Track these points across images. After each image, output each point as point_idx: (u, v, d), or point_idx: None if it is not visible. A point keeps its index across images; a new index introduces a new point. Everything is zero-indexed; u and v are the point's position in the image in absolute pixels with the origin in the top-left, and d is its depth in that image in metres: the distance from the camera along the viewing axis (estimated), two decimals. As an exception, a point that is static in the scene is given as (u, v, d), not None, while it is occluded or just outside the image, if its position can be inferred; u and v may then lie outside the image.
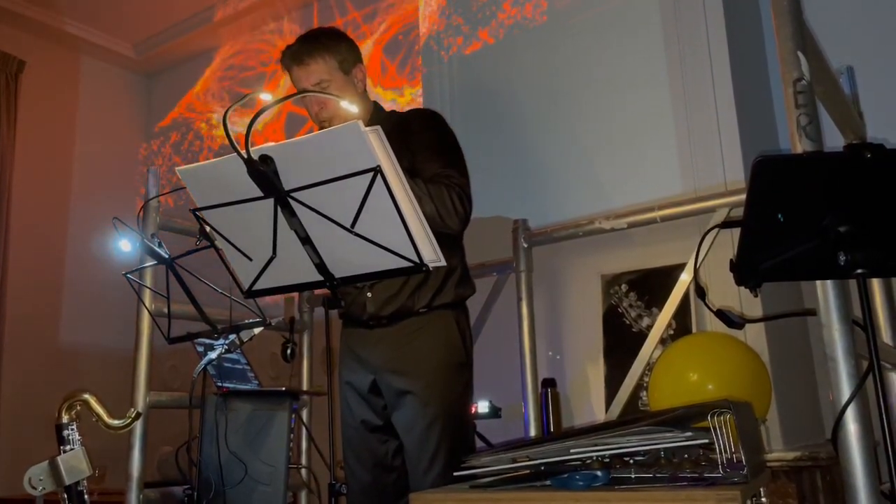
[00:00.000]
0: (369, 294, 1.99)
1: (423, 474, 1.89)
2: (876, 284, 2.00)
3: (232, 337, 1.96)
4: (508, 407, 2.57)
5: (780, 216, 1.22)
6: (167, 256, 1.86)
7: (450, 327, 1.99)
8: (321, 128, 1.99)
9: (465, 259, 2.12)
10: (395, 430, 1.99)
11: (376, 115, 2.12)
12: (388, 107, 2.28)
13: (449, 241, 1.98)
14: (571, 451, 1.31)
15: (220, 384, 2.38)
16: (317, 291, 2.81)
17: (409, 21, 3.85)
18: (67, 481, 1.64)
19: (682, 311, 2.35)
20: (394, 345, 1.98)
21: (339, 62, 2.04)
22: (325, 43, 2.04)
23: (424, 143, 1.99)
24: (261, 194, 1.48)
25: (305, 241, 1.54)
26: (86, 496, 1.68)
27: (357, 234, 1.49)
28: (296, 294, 2.92)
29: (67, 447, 1.68)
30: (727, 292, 2.20)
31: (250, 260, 1.62)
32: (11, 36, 4.25)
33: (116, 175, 4.66)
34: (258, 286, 1.67)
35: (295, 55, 2.04)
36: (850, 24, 2.61)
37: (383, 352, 1.99)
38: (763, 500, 1.34)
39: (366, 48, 3.90)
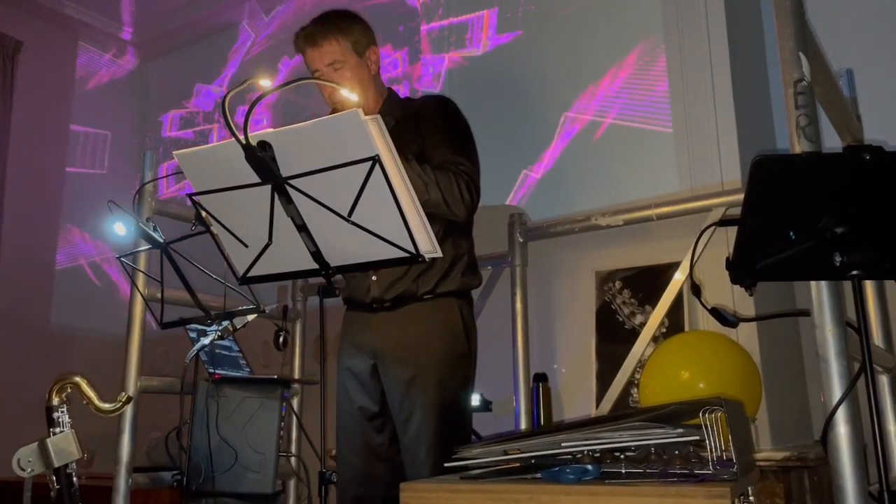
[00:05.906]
0: (374, 277, 1.97)
1: (419, 464, 1.88)
2: (869, 287, 2.01)
3: (225, 323, 1.95)
4: (499, 400, 2.57)
5: (777, 224, 1.22)
6: (162, 241, 1.85)
7: (453, 316, 1.97)
8: (334, 111, 1.96)
9: (474, 249, 2.09)
10: (392, 419, 1.98)
11: (390, 100, 2.11)
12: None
13: (459, 227, 1.97)
14: (563, 444, 1.31)
15: (211, 370, 2.38)
16: (312, 280, 2.80)
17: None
18: (56, 463, 1.64)
19: (675, 310, 2.35)
20: (395, 330, 1.96)
21: (353, 43, 2.02)
22: (338, 24, 2.02)
23: (436, 130, 1.98)
24: (258, 180, 1.48)
25: (302, 228, 1.53)
26: (74, 479, 1.68)
27: (354, 223, 1.49)
28: (289, 282, 2.91)
29: (57, 429, 1.67)
30: (720, 292, 2.20)
31: (246, 246, 1.62)
32: (8, 16, 4.21)
33: (112, 158, 4.64)
34: (253, 273, 1.66)
35: (308, 37, 2.02)
36: (849, 28, 2.61)
37: (385, 337, 1.97)
38: (751, 498, 1.34)
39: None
